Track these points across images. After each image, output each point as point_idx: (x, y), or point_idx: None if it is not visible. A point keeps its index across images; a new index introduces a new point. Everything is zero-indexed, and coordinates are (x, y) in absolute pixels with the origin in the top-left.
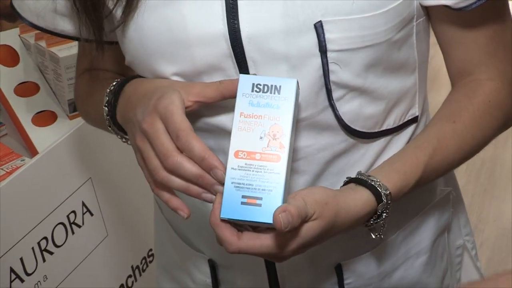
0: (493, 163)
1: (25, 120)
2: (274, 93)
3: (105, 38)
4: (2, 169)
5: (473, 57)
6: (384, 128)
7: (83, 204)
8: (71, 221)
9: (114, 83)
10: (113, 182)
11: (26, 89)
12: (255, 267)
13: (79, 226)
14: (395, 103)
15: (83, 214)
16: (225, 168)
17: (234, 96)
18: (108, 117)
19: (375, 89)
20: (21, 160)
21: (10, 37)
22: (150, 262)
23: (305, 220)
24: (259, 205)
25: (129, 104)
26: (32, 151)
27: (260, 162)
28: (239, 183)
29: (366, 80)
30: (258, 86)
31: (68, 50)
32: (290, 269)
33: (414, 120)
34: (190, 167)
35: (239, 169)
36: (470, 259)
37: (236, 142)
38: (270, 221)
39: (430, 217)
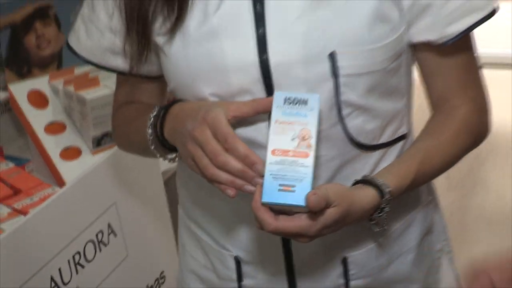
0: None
1: (54, 155)
2: (302, 105)
3: (145, 73)
4: (35, 196)
5: (450, 85)
6: (380, 142)
7: (109, 225)
8: (99, 239)
9: (155, 110)
10: (135, 206)
11: (54, 128)
12: (275, 260)
13: (105, 245)
14: (389, 121)
15: (109, 234)
16: (264, 164)
17: (265, 111)
18: (151, 137)
19: (374, 108)
20: (52, 189)
21: (41, 83)
22: (162, 283)
23: (327, 206)
24: (294, 191)
25: (178, 120)
26: (59, 182)
27: (292, 158)
28: (276, 175)
29: (368, 100)
30: (289, 99)
31: (94, 94)
32: (303, 262)
33: (404, 136)
34: (235, 164)
35: (276, 164)
36: (448, 262)
37: (272, 143)
38: (303, 203)
39: (416, 220)
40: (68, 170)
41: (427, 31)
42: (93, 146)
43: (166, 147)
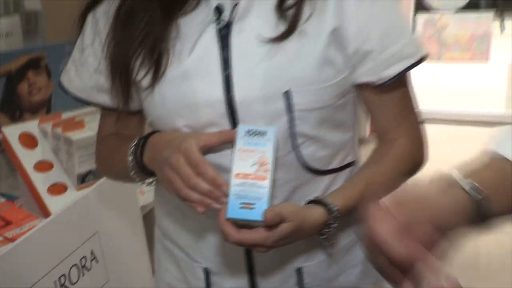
0: None
1: (42, 191)
2: (261, 136)
3: (127, 108)
4: (24, 226)
5: (389, 119)
6: (330, 168)
7: (92, 252)
8: (83, 264)
9: (136, 140)
10: (115, 235)
11: (43, 166)
12: (239, 270)
13: (88, 270)
14: (338, 150)
15: (91, 260)
16: (228, 185)
17: (230, 141)
18: (131, 164)
19: (325, 139)
20: (39, 221)
21: (31, 126)
22: None
23: (282, 221)
24: (253, 208)
25: (156, 149)
26: (46, 214)
27: (252, 181)
28: (238, 194)
29: (319, 132)
30: (250, 131)
31: (79, 135)
32: (263, 272)
33: (351, 164)
34: (205, 186)
35: (238, 186)
36: None
37: (236, 168)
38: (260, 218)
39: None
40: (55, 204)
41: (368, 74)
42: (78, 182)
43: (144, 172)
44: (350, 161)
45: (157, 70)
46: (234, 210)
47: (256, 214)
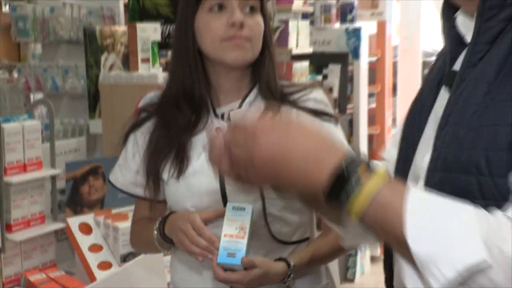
0: None
1: (93, 266)
2: (242, 210)
3: (157, 198)
4: None
5: None
6: (292, 240)
7: None
8: None
9: (159, 219)
10: None
11: (95, 248)
12: None
13: None
14: (297, 228)
15: None
16: (219, 242)
17: (222, 215)
18: (156, 236)
19: (287, 219)
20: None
21: (88, 218)
22: None
23: (254, 267)
24: (235, 256)
25: (172, 222)
26: None
27: (235, 239)
28: (226, 247)
29: (283, 214)
30: (235, 207)
31: (124, 225)
32: None
33: (307, 238)
34: (203, 243)
35: (226, 242)
36: None
37: (225, 230)
38: (239, 263)
39: None
40: (102, 277)
41: None
42: (120, 261)
43: (165, 241)
44: (306, 236)
45: (180, 171)
46: (222, 258)
47: (237, 260)
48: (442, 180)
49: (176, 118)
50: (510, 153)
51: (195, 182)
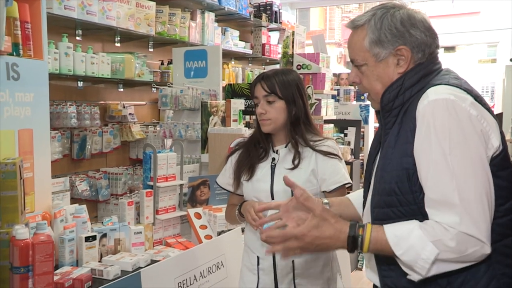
0: None
1: (202, 237)
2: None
3: (238, 192)
4: None
5: None
6: None
7: None
8: None
9: (239, 205)
10: None
11: (203, 227)
12: (270, 257)
13: None
14: None
15: None
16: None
17: (270, 208)
18: (237, 212)
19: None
20: None
21: (199, 210)
22: None
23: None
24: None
25: (245, 207)
26: None
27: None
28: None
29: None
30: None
31: (219, 214)
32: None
33: None
34: (257, 218)
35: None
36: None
37: (270, 212)
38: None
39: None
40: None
41: (324, 187)
42: (216, 235)
43: (242, 217)
44: None
45: (250, 178)
46: (266, 226)
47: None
48: (379, 200)
49: (253, 150)
50: (409, 183)
51: (257, 185)
